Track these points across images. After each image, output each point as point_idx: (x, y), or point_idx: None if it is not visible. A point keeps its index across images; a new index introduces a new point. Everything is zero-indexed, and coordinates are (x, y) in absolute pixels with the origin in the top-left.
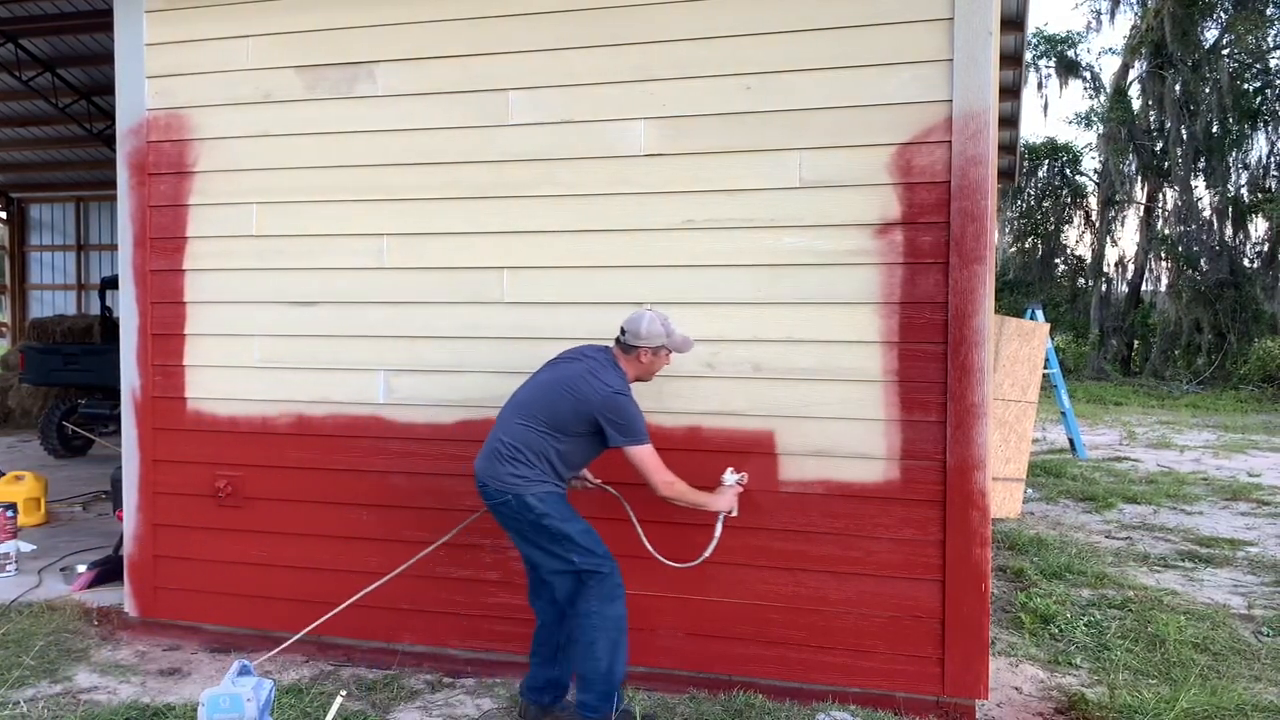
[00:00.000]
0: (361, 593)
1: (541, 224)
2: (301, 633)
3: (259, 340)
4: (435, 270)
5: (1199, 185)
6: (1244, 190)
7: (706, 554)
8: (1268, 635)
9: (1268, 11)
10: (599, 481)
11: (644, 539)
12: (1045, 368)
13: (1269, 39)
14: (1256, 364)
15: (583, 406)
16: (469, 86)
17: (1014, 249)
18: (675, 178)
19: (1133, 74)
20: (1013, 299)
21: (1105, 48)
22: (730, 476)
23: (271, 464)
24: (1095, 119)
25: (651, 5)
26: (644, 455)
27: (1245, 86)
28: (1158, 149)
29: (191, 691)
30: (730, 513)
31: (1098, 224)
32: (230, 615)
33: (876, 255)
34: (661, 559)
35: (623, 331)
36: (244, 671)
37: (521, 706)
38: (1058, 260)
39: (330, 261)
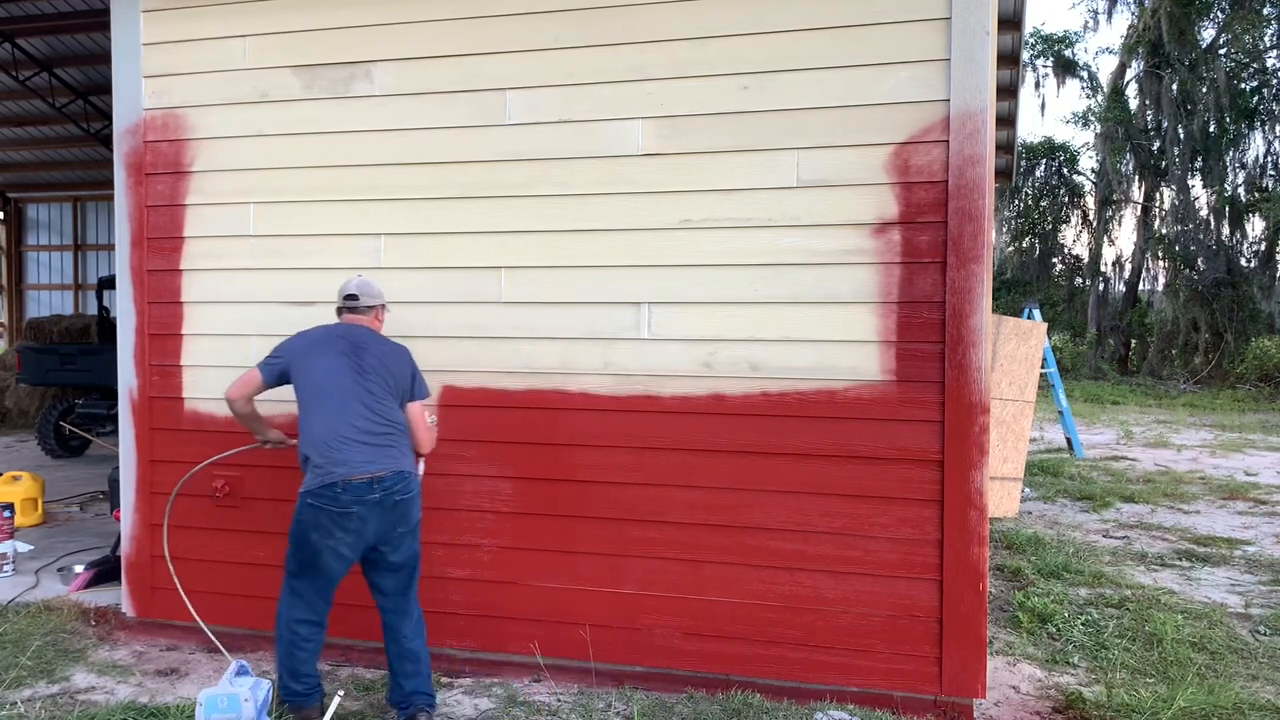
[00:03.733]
0: None
1: (539, 224)
2: None
3: (256, 340)
4: (433, 270)
5: (1196, 184)
6: (1241, 189)
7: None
8: (1265, 634)
9: (1264, 11)
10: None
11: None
12: (1043, 367)
13: (1266, 38)
14: (1253, 363)
15: (403, 374)
16: (466, 86)
17: (1011, 248)
18: (673, 177)
19: (1130, 73)
20: (1010, 298)
21: (1102, 47)
22: (430, 418)
23: (269, 464)
24: (1092, 118)
25: (649, 5)
26: (424, 410)
27: (1242, 86)
28: (1155, 148)
29: (189, 691)
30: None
31: (1095, 223)
32: (228, 615)
33: (874, 255)
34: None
35: (356, 298)
36: (242, 671)
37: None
38: (1055, 260)
39: (327, 261)
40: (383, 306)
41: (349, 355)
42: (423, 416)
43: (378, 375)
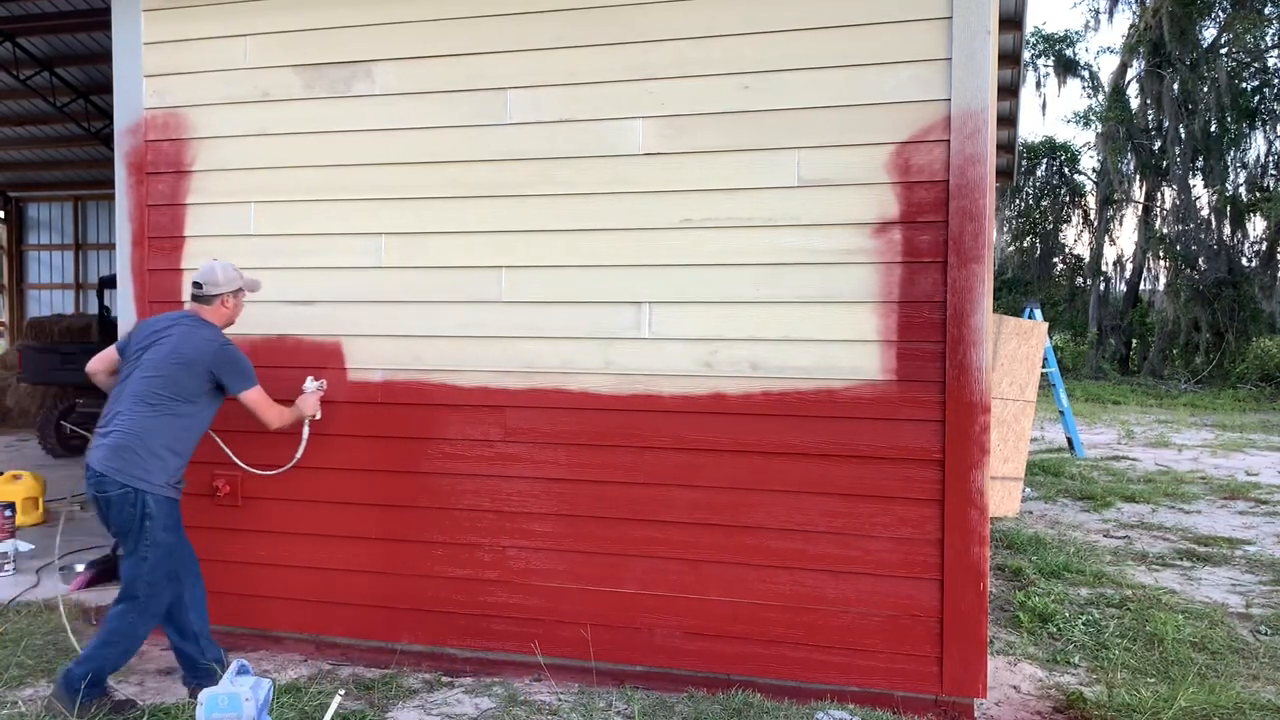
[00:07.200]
0: None
1: (540, 223)
2: None
3: (258, 339)
4: (434, 269)
5: (1197, 184)
6: (1242, 189)
7: (299, 456)
8: (1265, 634)
9: (1266, 10)
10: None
11: (241, 463)
12: (1043, 366)
13: (1267, 38)
14: (1254, 363)
15: (198, 368)
16: (467, 85)
17: (1012, 248)
18: (674, 177)
19: (1131, 73)
20: (1011, 298)
21: (1103, 47)
22: (311, 384)
23: (269, 463)
24: (1093, 118)
25: (650, 4)
26: (259, 397)
27: (1243, 85)
28: (1156, 148)
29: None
30: (315, 416)
31: (1096, 223)
32: (229, 615)
33: (875, 254)
34: (256, 471)
35: (199, 286)
36: (242, 671)
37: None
38: (1056, 259)
39: (328, 261)
40: (233, 293)
41: (144, 347)
42: (262, 400)
43: (150, 369)
